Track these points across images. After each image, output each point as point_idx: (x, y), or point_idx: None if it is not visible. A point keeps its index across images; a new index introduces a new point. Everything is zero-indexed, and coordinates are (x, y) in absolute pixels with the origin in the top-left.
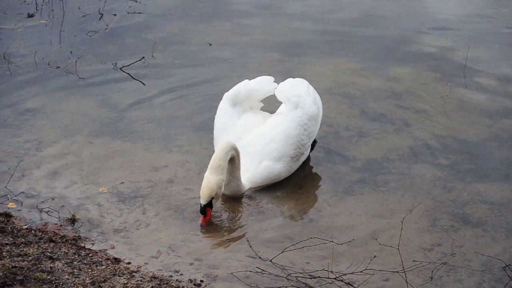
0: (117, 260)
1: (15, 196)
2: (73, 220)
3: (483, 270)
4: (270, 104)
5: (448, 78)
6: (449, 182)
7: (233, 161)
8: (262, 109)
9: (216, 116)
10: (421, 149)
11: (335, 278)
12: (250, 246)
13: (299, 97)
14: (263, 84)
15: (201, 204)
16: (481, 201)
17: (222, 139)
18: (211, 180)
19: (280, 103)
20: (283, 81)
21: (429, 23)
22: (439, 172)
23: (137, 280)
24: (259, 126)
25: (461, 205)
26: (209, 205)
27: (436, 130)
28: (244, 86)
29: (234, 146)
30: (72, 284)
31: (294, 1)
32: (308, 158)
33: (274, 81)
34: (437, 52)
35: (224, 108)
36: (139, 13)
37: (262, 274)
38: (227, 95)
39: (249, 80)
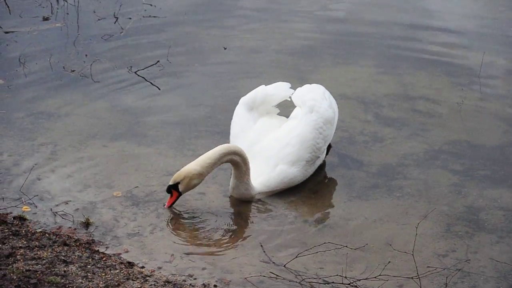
0: (130, 264)
1: (30, 199)
2: (87, 224)
3: (498, 277)
4: (287, 110)
5: (463, 83)
6: (464, 188)
7: (238, 166)
8: (279, 114)
9: (232, 120)
10: (436, 154)
11: (349, 284)
12: (264, 251)
13: (315, 101)
14: (279, 90)
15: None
16: (496, 207)
17: (238, 143)
18: (185, 168)
19: (294, 107)
20: (297, 85)
21: (444, 28)
22: (454, 178)
23: (151, 285)
24: (275, 130)
25: (476, 211)
26: (174, 188)
27: (451, 136)
28: (260, 91)
29: (238, 151)
30: None
31: (309, 6)
32: (323, 163)
33: (290, 87)
34: (452, 57)
35: (240, 112)
36: (154, 16)
37: (276, 279)
38: (243, 100)
39: (265, 85)
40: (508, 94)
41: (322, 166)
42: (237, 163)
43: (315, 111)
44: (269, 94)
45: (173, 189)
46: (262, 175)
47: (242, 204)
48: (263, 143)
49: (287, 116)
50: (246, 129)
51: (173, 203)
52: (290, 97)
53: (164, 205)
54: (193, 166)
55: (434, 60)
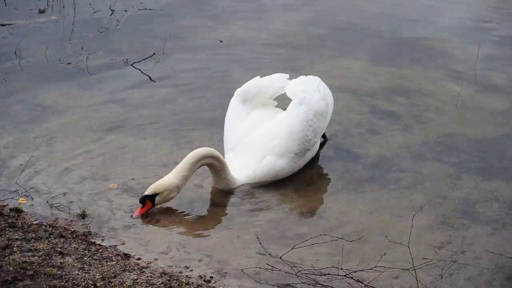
0: (127, 256)
1: (26, 191)
2: (83, 216)
3: (493, 268)
4: (287, 102)
5: (459, 76)
6: (460, 180)
7: (212, 166)
8: (277, 106)
9: (227, 112)
10: (432, 146)
11: (345, 275)
12: (260, 243)
13: (306, 93)
14: (274, 81)
15: (144, 194)
16: (492, 199)
17: (229, 135)
18: (164, 180)
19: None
20: (293, 78)
21: (439, 21)
22: (450, 170)
23: (147, 276)
24: (267, 122)
25: (471, 203)
26: (150, 198)
27: (447, 128)
28: (254, 83)
29: (209, 153)
30: (82, 280)
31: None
32: (318, 156)
33: (288, 79)
34: (447, 50)
35: (234, 104)
36: (150, 9)
37: (272, 270)
38: (237, 92)
39: (261, 77)
40: (504, 87)
41: (317, 159)
42: (211, 164)
43: (305, 103)
44: (264, 86)
45: (149, 200)
46: (249, 167)
47: (239, 197)
48: (253, 135)
49: (285, 109)
50: (238, 120)
51: (144, 214)
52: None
53: (131, 216)
54: (171, 179)
55: (429, 53)
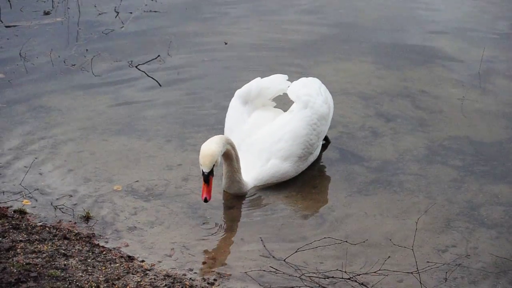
0: (131, 258)
1: (30, 193)
2: (87, 218)
3: (497, 272)
4: (285, 103)
5: (464, 79)
6: (464, 183)
7: (231, 162)
8: (276, 107)
9: (227, 113)
10: (437, 150)
11: (349, 278)
12: (264, 246)
13: (310, 96)
14: (275, 82)
15: (204, 172)
16: (496, 202)
17: (231, 136)
18: (210, 150)
19: (293, 101)
20: (297, 80)
21: (444, 24)
22: (454, 173)
23: (151, 278)
24: (269, 123)
25: (476, 206)
26: (211, 173)
27: (452, 131)
28: (255, 84)
29: (230, 141)
30: (85, 282)
31: (310, 1)
32: (323, 158)
33: (287, 80)
34: (452, 53)
35: (235, 105)
36: (155, 11)
37: (276, 273)
38: (238, 93)
39: (262, 78)
40: (508, 90)
41: (321, 161)
42: (231, 158)
43: (310, 107)
44: (265, 87)
45: (211, 175)
46: (254, 169)
47: (242, 199)
48: (256, 136)
49: (285, 109)
50: (240, 122)
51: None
52: (287, 91)
53: (205, 200)
54: (215, 147)
55: (434, 55)
